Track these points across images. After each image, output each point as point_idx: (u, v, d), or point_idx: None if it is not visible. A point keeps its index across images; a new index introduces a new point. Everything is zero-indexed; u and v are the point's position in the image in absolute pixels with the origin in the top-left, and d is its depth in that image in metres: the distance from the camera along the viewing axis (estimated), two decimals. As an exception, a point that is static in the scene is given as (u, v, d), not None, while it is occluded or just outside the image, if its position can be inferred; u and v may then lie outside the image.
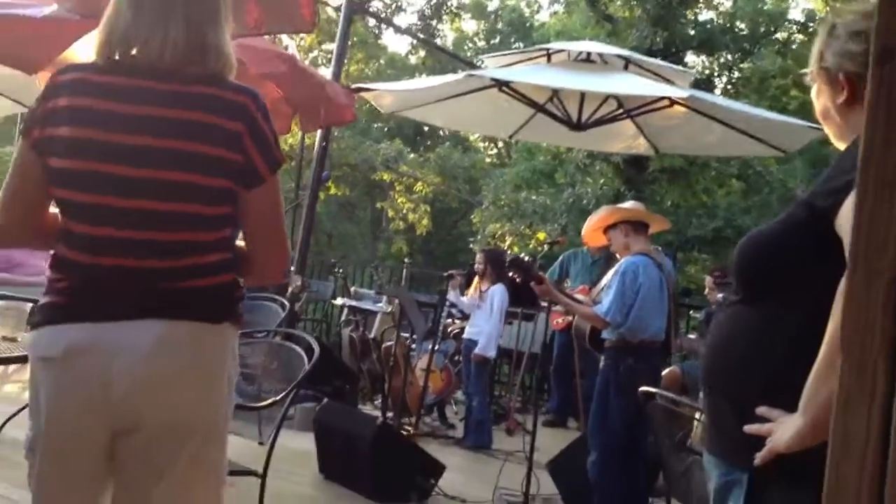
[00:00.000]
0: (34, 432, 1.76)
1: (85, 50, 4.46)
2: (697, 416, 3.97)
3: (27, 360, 2.68)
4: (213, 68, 1.78)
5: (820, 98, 1.65)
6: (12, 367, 6.58)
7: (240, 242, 1.87)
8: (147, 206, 1.70)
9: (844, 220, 1.37)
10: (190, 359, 1.71)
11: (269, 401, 3.04)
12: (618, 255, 4.50)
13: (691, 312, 7.95)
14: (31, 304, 3.37)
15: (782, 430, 1.39)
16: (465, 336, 6.52)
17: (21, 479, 4.01)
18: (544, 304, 6.66)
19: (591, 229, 4.48)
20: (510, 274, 4.35)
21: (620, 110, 6.69)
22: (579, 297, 5.02)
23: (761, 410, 1.45)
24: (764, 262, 1.55)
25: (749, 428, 1.46)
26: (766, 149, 6.81)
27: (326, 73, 9.23)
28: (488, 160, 23.65)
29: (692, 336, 6.78)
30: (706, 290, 6.79)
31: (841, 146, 1.63)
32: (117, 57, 1.76)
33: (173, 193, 1.71)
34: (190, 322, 1.72)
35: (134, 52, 1.76)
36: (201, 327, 1.73)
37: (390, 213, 18.06)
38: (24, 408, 4.76)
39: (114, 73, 1.75)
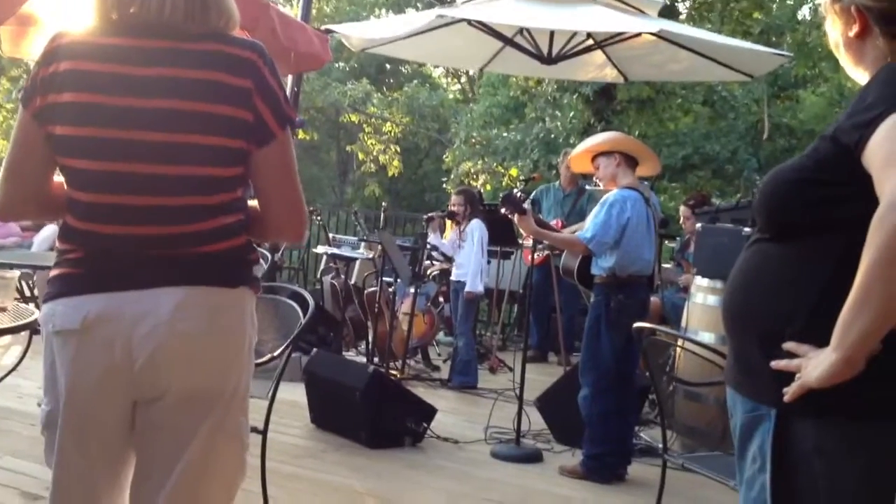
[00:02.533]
0: (51, 407, 1.72)
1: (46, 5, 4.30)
2: (679, 344, 4.04)
3: (14, 332, 2.63)
4: (215, 24, 1.71)
5: (833, 30, 1.63)
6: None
7: (253, 202, 1.81)
8: (155, 170, 1.65)
9: (872, 154, 1.36)
10: (210, 325, 1.68)
11: (268, 356, 3.01)
12: (600, 185, 4.47)
13: (665, 242, 8.01)
14: (17, 272, 3.30)
15: (813, 365, 1.40)
16: (452, 278, 6.50)
17: (10, 447, 4.00)
18: (521, 241, 6.71)
19: (585, 151, 4.45)
20: (503, 210, 4.31)
21: (591, 41, 6.65)
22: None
23: (789, 346, 1.46)
24: (790, 199, 1.54)
25: (777, 363, 1.46)
26: (733, 74, 6.86)
27: (288, 12, 9.02)
28: (451, 97, 23.38)
29: (668, 266, 6.83)
30: (681, 220, 6.82)
31: (856, 76, 1.61)
32: (115, 16, 1.69)
33: (182, 156, 1.66)
34: (208, 287, 1.69)
35: (132, 10, 1.68)
36: (219, 292, 1.70)
37: (360, 156, 17.84)
38: (6, 374, 4.73)
39: (114, 33, 1.68)
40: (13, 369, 4.81)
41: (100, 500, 1.75)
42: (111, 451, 1.74)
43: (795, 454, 1.47)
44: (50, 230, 7.35)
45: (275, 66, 1.74)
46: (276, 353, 3.06)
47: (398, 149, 17.65)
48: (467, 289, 6.22)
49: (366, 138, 17.80)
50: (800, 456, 1.46)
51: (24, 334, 5.28)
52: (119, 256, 1.67)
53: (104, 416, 1.70)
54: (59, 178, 1.74)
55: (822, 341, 1.38)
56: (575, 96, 11.64)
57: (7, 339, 6.54)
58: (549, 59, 6.66)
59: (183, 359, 1.66)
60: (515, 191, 4.50)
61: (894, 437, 1.40)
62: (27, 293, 6.58)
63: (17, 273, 3.13)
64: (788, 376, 1.44)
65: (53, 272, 1.73)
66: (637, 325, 3.21)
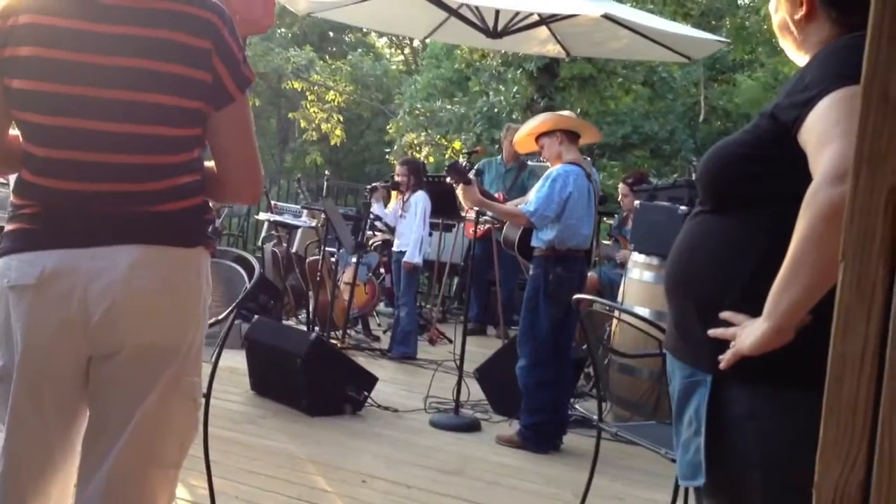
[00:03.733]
0: (4, 361, 1.73)
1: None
2: (616, 316, 4.16)
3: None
4: None
5: (778, 12, 1.67)
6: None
7: (209, 163, 1.82)
8: (113, 128, 1.66)
9: (807, 133, 1.43)
10: (166, 283, 1.69)
11: (213, 319, 3.00)
12: (548, 164, 4.56)
13: (604, 218, 8.16)
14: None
15: (746, 333, 1.47)
16: (394, 249, 6.54)
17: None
18: (464, 214, 6.77)
19: (527, 134, 4.51)
20: (448, 179, 4.36)
21: (536, 17, 6.72)
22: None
23: (725, 315, 1.53)
24: (731, 172, 1.60)
25: (714, 332, 1.53)
26: (672, 55, 7.03)
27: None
28: (393, 67, 23.23)
29: (606, 242, 6.97)
30: (620, 197, 6.96)
31: (797, 59, 1.66)
32: None
33: (140, 115, 1.66)
34: (163, 246, 1.70)
35: None
36: (175, 251, 1.72)
37: (302, 124, 17.63)
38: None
39: None
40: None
41: (52, 453, 1.76)
42: (65, 406, 1.74)
43: (729, 418, 1.54)
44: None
45: (234, 28, 1.74)
46: (220, 317, 3.05)
47: (341, 118, 17.49)
48: (405, 259, 6.26)
49: (308, 106, 17.59)
50: (733, 420, 1.54)
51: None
52: (75, 213, 1.67)
53: (59, 370, 1.71)
54: (15, 131, 1.73)
55: (756, 311, 1.45)
56: (519, 71, 11.71)
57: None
58: (494, 33, 6.72)
59: (138, 315, 1.67)
60: (461, 161, 4.55)
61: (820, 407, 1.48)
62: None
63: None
64: (724, 344, 1.51)
65: (8, 227, 1.72)
66: (577, 296, 3.30)
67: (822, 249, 1.33)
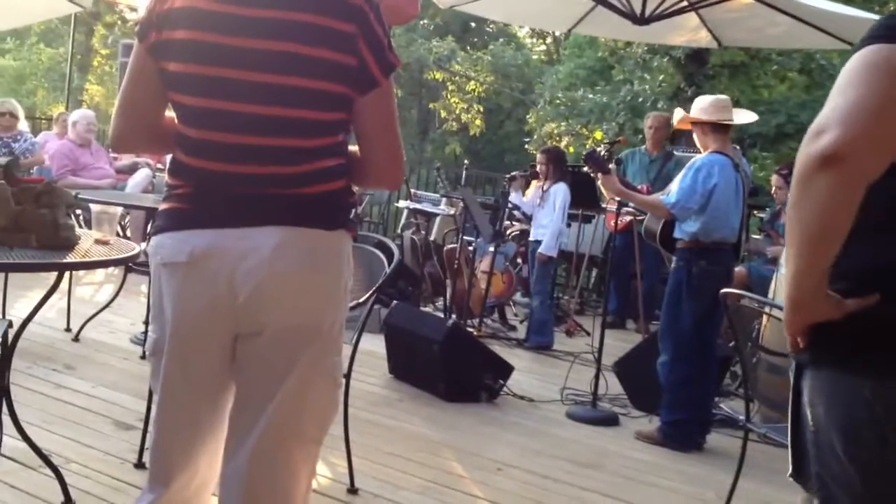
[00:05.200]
0: (157, 335, 1.80)
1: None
2: (767, 311, 3.95)
3: (120, 264, 2.75)
4: None
5: None
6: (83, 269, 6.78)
7: (353, 147, 1.84)
8: (262, 111, 1.69)
9: None
10: (308, 265, 1.72)
11: (354, 303, 3.06)
12: (695, 154, 4.39)
13: (755, 212, 7.82)
14: (120, 208, 3.43)
15: None
16: (531, 238, 6.48)
17: (104, 378, 4.20)
18: (608, 206, 6.63)
19: (679, 122, 4.39)
20: (586, 168, 4.27)
21: (685, 2, 6.47)
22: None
23: None
24: None
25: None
26: (832, 41, 6.59)
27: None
28: (535, 57, 23.06)
29: (757, 236, 6.67)
30: (773, 189, 6.63)
31: None
32: None
33: (287, 98, 1.69)
34: (306, 229, 1.72)
35: None
36: (317, 234, 1.74)
37: (442, 114, 17.79)
38: (101, 310, 4.95)
39: None
40: (106, 306, 5.03)
41: (200, 426, 1.83)
42: (212, 379, 1.80)
43: (801, 405, 1.46)
44: (142, 175, 7.58)
45: (380, 13, 1.74)
46: (361, 300, 3.11)
47: (481, 108, 17.54)
48: (540, 250, 6.17)
49: (449, 96, 17.73)
50: (802, 407, 1.45)
51: (118, 273, 5.49)
52: (224, 194, 1.72)
53: (207, 345, 1.76)
54: (171, 113, 1.79)
55: (842, 291, 1.34)
56: (665, 59, 11.35)
57: (101, 276, 6.83)
58: (641, 19, 6.51)
59: (281, 297, 1.70)
60: (599, 149, 4.44)
61: (869, 394, 1.32)
62: (120, 232, 6.83)
63: (119, 209, 3.25)
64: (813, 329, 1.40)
65: (162, 206, 1.79)
66: (724, 290, 3.16)
67: (800, 214, 1.26)
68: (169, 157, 1.84)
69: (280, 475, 1.79)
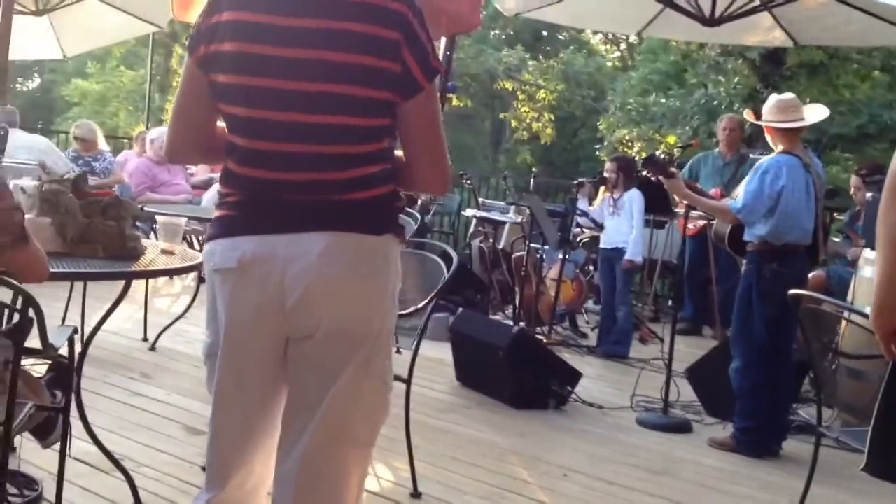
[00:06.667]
0: (212, 339, 1.84)
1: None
2: (845, 317, 3.81)
3: (185, 272, 2.84)
4: None
5: None
6: (162, 281, 7.00)
7: (399, 153, 1.86)
8: (308, 119, 1.72)
9: None
10: (355, 269, 1.74)
11: (412, 308, 3.08)
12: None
13: (835, 214, 7.56)
14: (184, 219, 3.53)
15: None
16: (602, 245, 6.37)
17: (178, 385, 4.32)
18: (677, 210, 6.51)
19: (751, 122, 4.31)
20: (645, 172, 4.21)
21: (757, 1, 6.31)
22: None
23: None
24: None
25: None
26: (913, 37, 6.34)
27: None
28: (610, 64, 22.85)
29: (836, 239, 6.45)
30: (852, 190, 6.41)
31: None
32: None
33: (333, 106, 1.71)
34: (353, 234, 1.74)
35: None
36: (365, 239, 1.75)
37: (513, 124, 17.78)
38: (176, 320, 5.09)
39: None
40: (181, 316, 5.17)
41: (254, 427, 1.86)
42: (265, 382, 1.83)
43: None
44: (217, 189, 7.78)
45: (423, 18, 1.76)
46: (420, 306, 3.12)
47: (552, 116, 17.46)
48: (627, 257, 6.06)
49: (519, 105, 17.71)
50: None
51: (193, 284, 5.64)
52: (273, 200, 1.75)
53: (258, 349, 1.80)
54: (222, 123, 1.83)
55: None
56: (740, 61, 11.11)
57: (177, 288, 7.04)
58: (711, 21, 6.38)
59: (330, 300, 1.72)
60: (658, 152, 4.37)
61: None
62: (196, 245, 7.02)
63: (184, 220, 3.35)
64: None
65: (215, 214, 1.84)
66: (793, 291, 3.06)
67: (888, 220, 1.26)
68: None
69: (331, 477, 1.80)
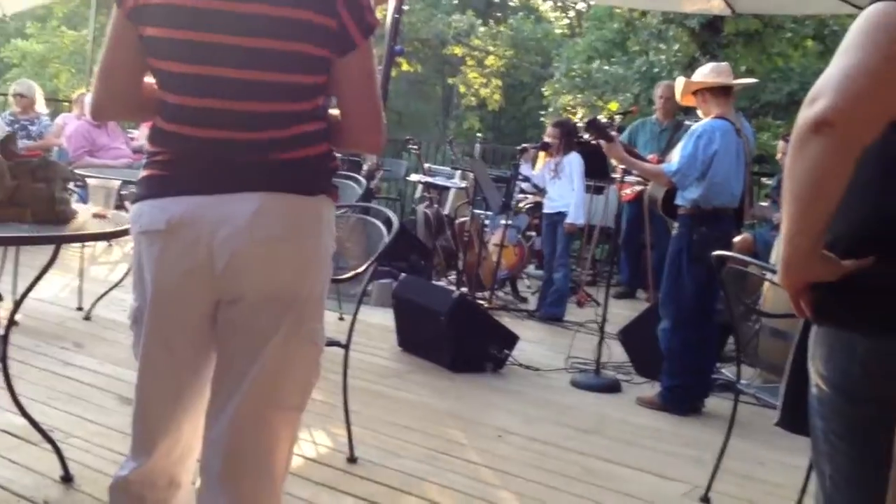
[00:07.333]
0: (138, 303, 1.81)
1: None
2: (769, 278, 3.96)
3: (117, 236, 2.80)
4: None
5: None
6: (99, 249, 6.90)
7: (334, 111, 1.83)
8: (241, 75, 1.68)
9: None
10: (287, 231, 1.72)
11: (352, 273, 3.10)
12: (702, 118, 4.39)
13: (763, 179, 7.77)
14: (118, 182, 3.49)
15: None
16: (545, 210, 6.47)
17: (113, 355, 4.27)
18: (615, 175, 6.62)
19: (681, 95, 4.39)
20: (586, 136, 4.29)
21: (696, -31, 6.42)
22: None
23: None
24: None
25: None
26: (845, 6, 6.48)
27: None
28: (559, 31, 22.85)
29: (764, 203, 6.64)
30: (779, 156, 6.60)
31: None
32: None
33: (267, 62, 1.68)
34: (286, 194, 1.72)
35: None
36: (297, 199, 1.73)
37: (461, 89, 17.72)
38: (112, 288, 5.03)
39: None
40: (118, 284, 5.12)
41: (182, 393, 1.84)
42: (193, 348, 1.81)
43: (803, 359, 1.48)
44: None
45: None
46: (359, 270, 3.15)
47: (500, 83, 17.46)
48: (568, 221, 6.18)
49: (468, 71, 17.66)
50: (805, 361, 1.47)
51: (131, 252, 5.57)
52: (203, 160, 1.72)
53: (186, 313, 1.77)
54: (152, 79, 1.79)
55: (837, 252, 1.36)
56: (680, 29, 11.24)
57: (115, 255, 6.95)
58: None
59: (260, 263, 1.70)
60: (600, 117, 4.45)
61: (862, 351, 1.34)
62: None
63: (117, 183, 3.32)
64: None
65: (142, 173, 1.79)
66: (717, 253, 3.17)
67: (793, 177, 1.27)
68: None
69: (261, 441, 1.78)
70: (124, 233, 2.68)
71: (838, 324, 1.35)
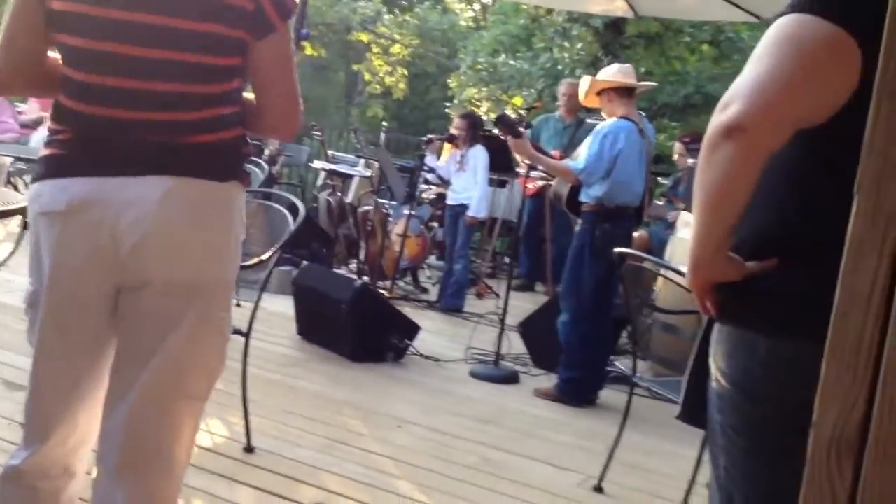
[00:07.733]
0: (34, 287, 1.73)
1: None
2: (663, 274, 4.08)
3: (6, 216, 2.65)
4: None
5: None
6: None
7: (249, 95, 1.79)
8: (151, 54, 1.63)
9: None
10: (196, 217, 1.67)
11: (256, 259, 3.03)
12: (605, 117, 4.48)
13: (659, 179, 8.00)
14: (9, 159, 3.31)
15: None
16: (448, 202, 6.50)
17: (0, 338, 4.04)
18: (520, 170, 6.70)
19: (584, 95, 4.46)
20: (495, 130, 4.32)
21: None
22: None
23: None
24: None
25: None
26: (741, 14, 6.76)
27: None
28: (464, 23, 22.96)
29: (659, 202, 6.85)
30: (675, 157, 6.82)
31: None
32: None
33: (180, 42, 1.63)
34: (196, 179, 1.67)
35: None
36: (207, 185, 1.68)
37: (366, 77, 17.59)
38: (-2, 267, 4.75)
39: None
40: (2, 263, 4.85)
41: (79, 381, 1.76)
42: (91, 333, 1.74)
43: (706, 356, 1.52)
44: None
45: None
46: (264, 257, 3.08)
47: (405, 72, 17.41)
48: (470, 213, 6.23)
49: (373, 58, 17.54)
50: (707, 358, 1.51)
51: (17, 231, 5.31)
52: (108, 140, 1.65)
53: (86, 298, 1.70)
54: (55, 54, 1.71)
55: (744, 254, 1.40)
56: (584, 28, 11.45)
57: (0, 235, 6.58)
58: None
59: (168, 249, 1.65)
60: (507, 111, 4.49)
61: (764, 351, 1.37)
62: (23, 189, 6.60)
63: (8, 160, 3.14)
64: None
65: (43, 152, 1.71)
66: (619, 250, 3.25)
67: (704, 180, 1.31)
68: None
69: (162, 431, 1.74)
70: (14, 212, 2.55)
71: (742, 324, 1.38)
